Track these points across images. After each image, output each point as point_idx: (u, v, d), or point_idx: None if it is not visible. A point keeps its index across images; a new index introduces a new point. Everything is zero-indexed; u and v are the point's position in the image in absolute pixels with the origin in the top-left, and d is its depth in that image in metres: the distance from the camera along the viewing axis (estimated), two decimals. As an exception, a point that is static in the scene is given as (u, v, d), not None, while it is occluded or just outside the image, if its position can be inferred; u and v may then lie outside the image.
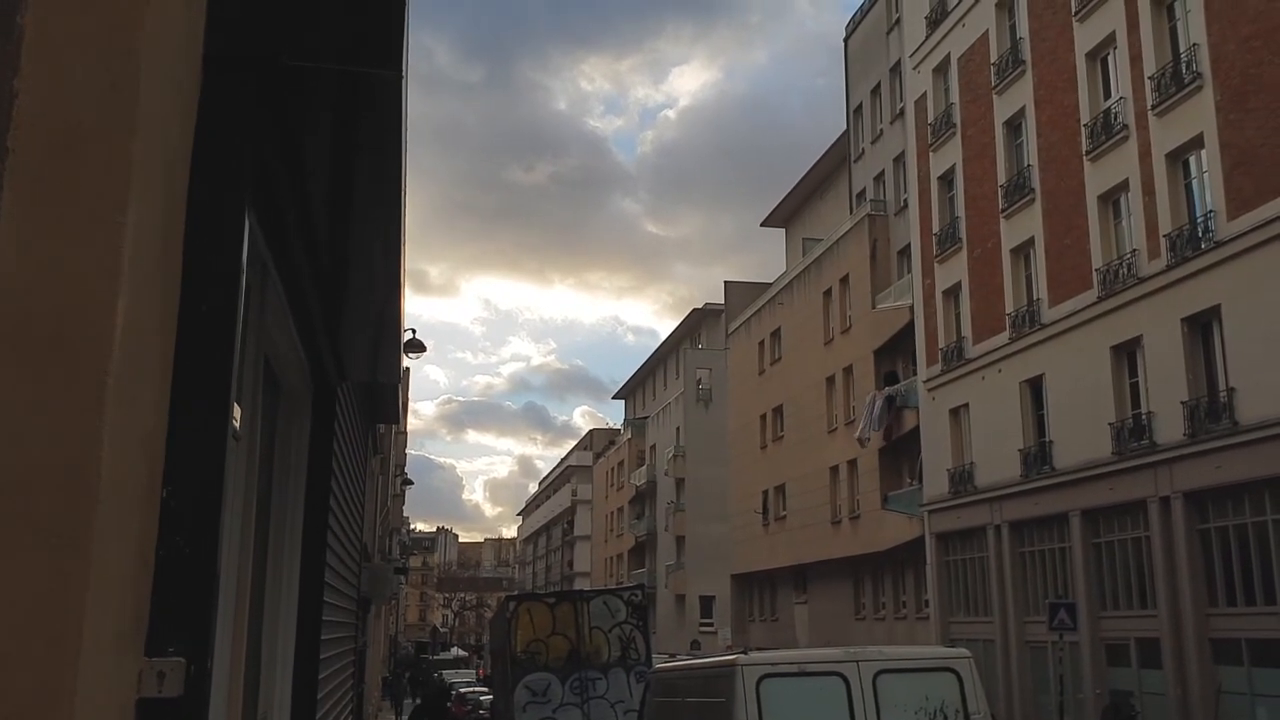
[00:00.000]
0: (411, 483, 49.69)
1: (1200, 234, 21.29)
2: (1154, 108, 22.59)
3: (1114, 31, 24.19)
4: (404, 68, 2.84)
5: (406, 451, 48.34)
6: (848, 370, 38.15)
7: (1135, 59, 23.39)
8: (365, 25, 2.76)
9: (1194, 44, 21.62)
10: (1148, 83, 22.83)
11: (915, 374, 32.77)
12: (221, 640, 3.20)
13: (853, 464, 37.22)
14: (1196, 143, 21.58)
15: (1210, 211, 21.07)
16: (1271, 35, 19.58)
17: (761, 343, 47.38)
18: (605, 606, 17.06)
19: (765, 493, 45.28)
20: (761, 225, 54.73)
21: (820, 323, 40.83)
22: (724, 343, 54.91)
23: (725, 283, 54.40)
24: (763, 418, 46.37)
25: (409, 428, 47.33)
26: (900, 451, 34.42)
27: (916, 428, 32.36)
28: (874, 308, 36.50)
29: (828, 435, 39.43)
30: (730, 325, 52.40)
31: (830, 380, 39.47)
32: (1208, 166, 21.29)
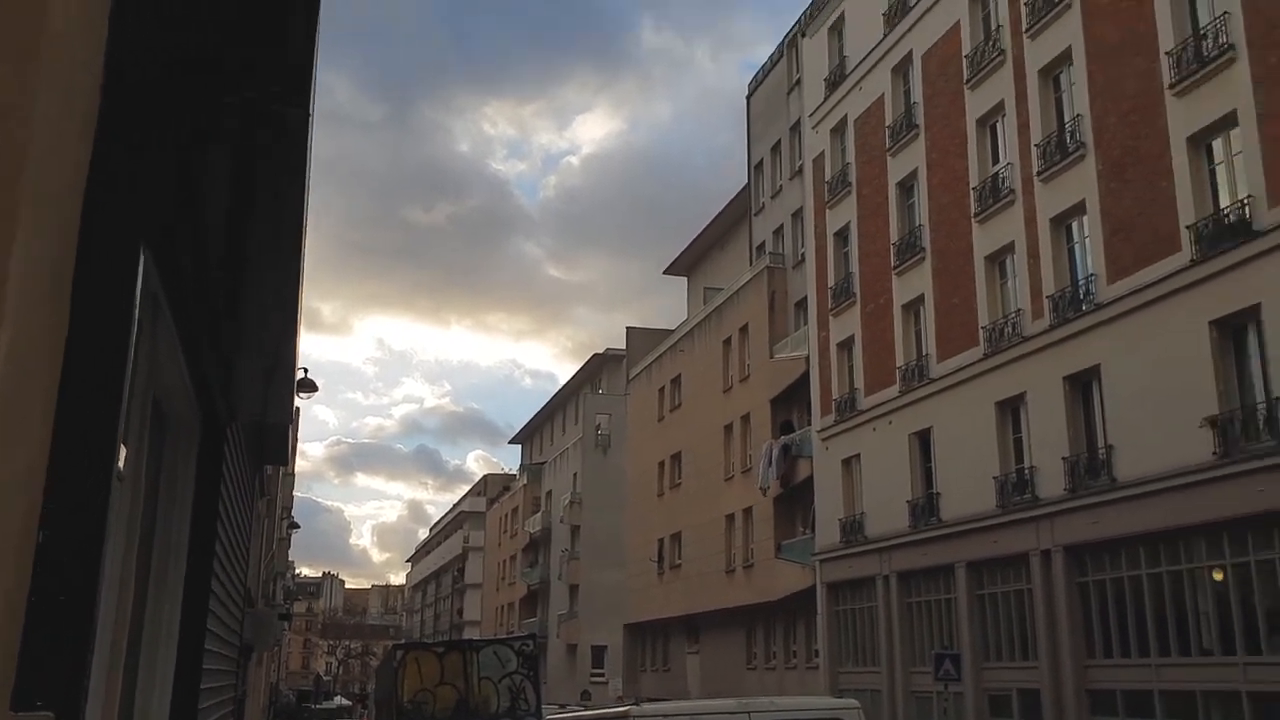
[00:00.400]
0: (298, 526, 48.33)
1: (1081, 296, 22.20)
2: (1039, 174, 23.58)
3: (1003, 100, 25.24)
4: (311, 105, 2.81)
5: (294, 494, 47.03)
6: (745, 418, 38.57)
7: (1023, 127, 24.42)
8: (274, 60, 2.72)
9: (1078, 115, 22.69)
10: (1034, 150, 23.83)
11: (810, 424, 33.30)
12: (94, 692, 3.04)
13: (748, 512, 37.51)
14: (1079, 209, 22.56)
15: (1091, 275, 22.00)
16: (1147, 111, 20.67)
17: (662, 389, 47.63)
18: (495, 656, 16.75)
19: (661, 541, 45.27)
20: (664, 273, 55.33)
21: (720, 371, 41.26)
22: (624, 389, 55.02)
23: (627, 329, 54.74)
24: (661, 465, 46.47)
25: (296, 469, 46.10)
26: (795, 500, 34.84)
27: (811, 477, 32.81)
28: (772, 357, 37.06)
29: (725, 483, 39.69)
30: (631, 371, 52.58)
31: (728, 428, 39.82)
32: (1089, 232, 22.27)
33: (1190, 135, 19.64)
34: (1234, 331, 18.75)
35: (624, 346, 55.78)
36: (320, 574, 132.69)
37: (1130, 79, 21.22)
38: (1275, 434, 17.35)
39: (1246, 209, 18.25)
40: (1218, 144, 19.42)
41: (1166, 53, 20.22)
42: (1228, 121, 18.93)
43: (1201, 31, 19.64)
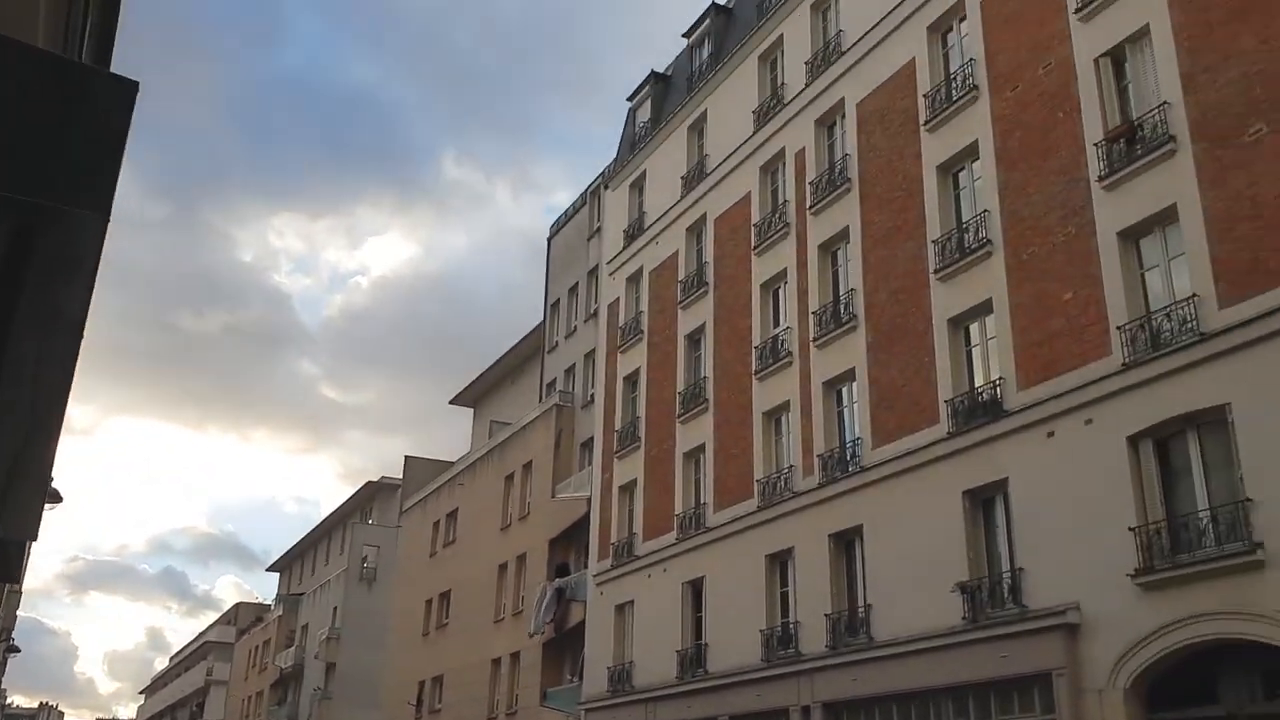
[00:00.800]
0: (18, 650, 43.63)
1: (848, 458, 23.34)
2: (815, 340, 24.95)
3: (786, 269, 26.78)
4: (110, 211, 2.64)
5: (17, 613, 42.56)
6: (521, 558, 37.95)
7: (802, 295, 25.90)
8: (72, 161, 2.55)
9: (852, 289, 24.30)
10: (811, 317, 25.26)
11: (587, 567, 33.10)
12: None
13: (516, 657, 36.55)
14: (849, 376, 23.93)
15: (857, 439, 23.22)
16: (914, 292, 22.39)
17: (437, 523, 46.38)
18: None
19: (422, 684, 43.34)
20: (450, 403, 54.56)
21: (499, 508, 40.66)
22: (397, 520, 53.25)
23: (406, 458, 53.28)
24: (428, 603, 44.88)
25: (24, 586, 41.77)
26: (565, 646, 34.24)
27: (583, 622, 32.42)
28: (553, 497, 36.87)
29: (494, 625, 38.65)
30: (406, 502, 51.04)
31: (503, 568, 39.05)
32: (857, 398, 23.60)
33: (950, 317, 21.36)
34: (984, 503, 20.11)
35: (400, 475, 54.22)
36: (37, 704, 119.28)
37: (900, 261, 22.99)
38: (1018, 602, 18.52)
39: (998, 389, 19.87)
40: (975, 327, 21.18)
41: (933, 241, 22.09)
42: (984, 308, 20.72)
43: (964, 225, 21.62)
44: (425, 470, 50.90)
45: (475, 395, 52.80)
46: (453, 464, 47.88)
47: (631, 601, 30.05)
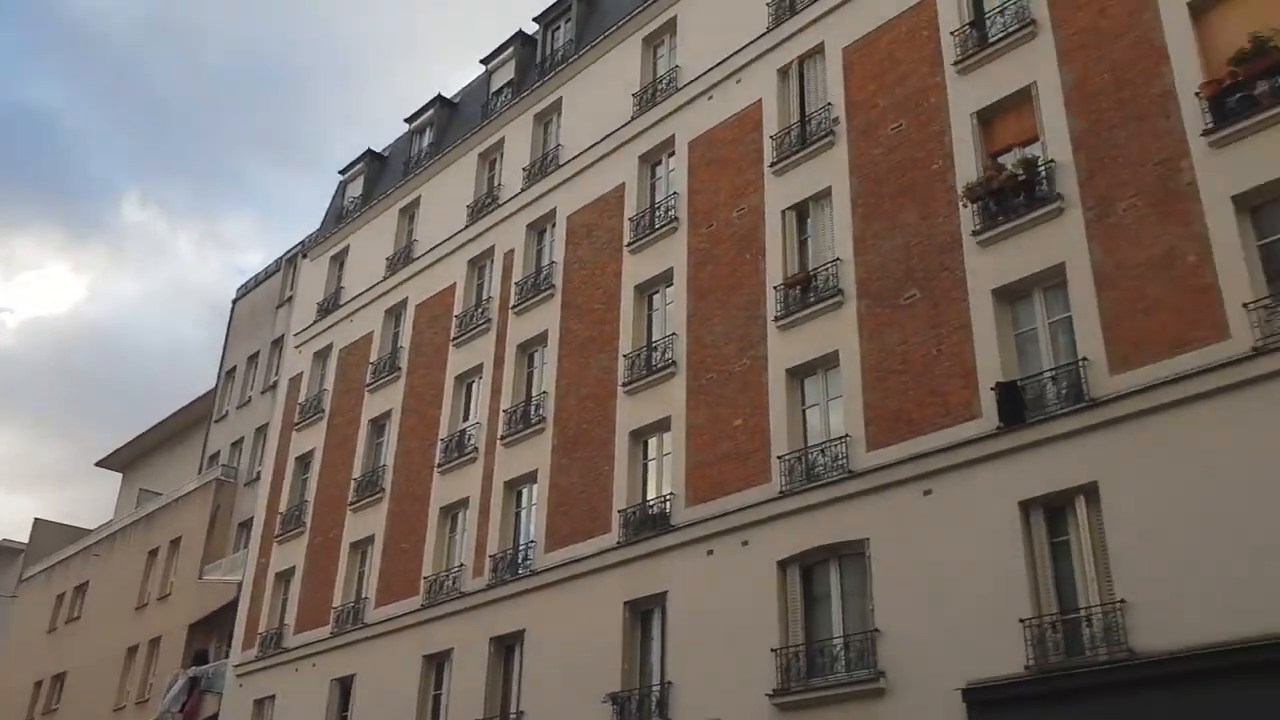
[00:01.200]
0: None
1: (520, 560, 23.28)
2: (503, 438, 24.94)
3: (482, 364, 26.77)
4: None
5: None
6: (155, 642, 34.74)
7: (496, 392, 25.92)
8: None
9: (544, 391, 24.60)
10: (502, 415, 25.28)
11: (228, 656, 30.72)
12: None
13: (133, 751, 33.10)
14: (531, 477, 24.02)
15: (531, 542, 23.23)
16: (602, 401, 22.98)
17: (62, 596, 41.73)
18: None
19: (16, 777, 38.25)
20: (96, 465, 49.82)
21: (138, 585, 37.19)
22: (14, 589, 47.40)
23: (35, 519, 47.93)
24: (38, 685, 39.99)
25: None
26: (192, 741, 31.36)
27: (216, 715, 29.91)
28: (201, 578, 34.18)
29: (113, 714, 34.90)
30: (28, 569, 45.62)
31: (133, 651, 35.55)
32: (537, 500, 23.70)
33: (632, 430, 22.04)
34: (644, 615, 20.57)
35: (24, 539, 48.55)
36: None
37: (592, 370, 23.59)
38: (664, 716, 18.89)
39: (668, 504, 20.59)
40: (654, 442, 21.94)
41: (624, 355, 22.86)
42: (663, 425, 21.56)
43: (654, 344, 22.56)
44: (56, 536, 45.92)
45: (126, 459, 48.51)
46: (90, 532, 43.47)
47: (273, 697, 28.09)
